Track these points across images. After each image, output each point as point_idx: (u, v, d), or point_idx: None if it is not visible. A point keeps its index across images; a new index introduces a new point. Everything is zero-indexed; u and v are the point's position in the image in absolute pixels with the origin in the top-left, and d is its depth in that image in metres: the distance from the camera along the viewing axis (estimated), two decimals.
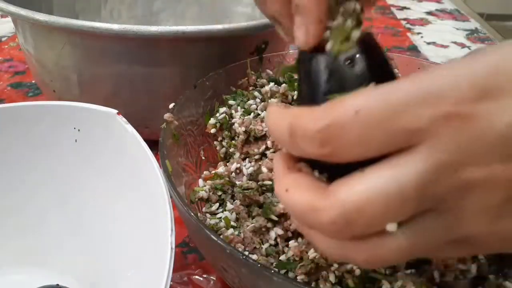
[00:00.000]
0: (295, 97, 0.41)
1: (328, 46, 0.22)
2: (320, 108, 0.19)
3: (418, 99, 0.17)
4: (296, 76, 0.44)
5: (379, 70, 0.22)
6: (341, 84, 0.21)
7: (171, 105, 0.38)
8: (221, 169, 0.38)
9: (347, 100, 0.18)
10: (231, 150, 0.40)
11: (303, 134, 0.19)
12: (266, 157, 0.38)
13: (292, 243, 0.32)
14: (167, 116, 0.36)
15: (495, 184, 0.18)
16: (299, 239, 0.32)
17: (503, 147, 0.17)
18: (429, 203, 0.18)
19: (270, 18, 0.28)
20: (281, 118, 0.20)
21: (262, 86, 0.43)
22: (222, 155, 0.41)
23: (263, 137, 0.39)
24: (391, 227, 0.18)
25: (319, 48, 0.23)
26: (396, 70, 0.47)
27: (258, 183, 0.35)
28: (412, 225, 0.19)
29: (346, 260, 0.22)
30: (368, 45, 0.22)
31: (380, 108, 0.18)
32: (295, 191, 0.20)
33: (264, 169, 0.36)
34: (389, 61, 0.23)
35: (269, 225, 0.33)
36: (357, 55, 0.21)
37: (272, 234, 0.32)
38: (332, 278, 0.29)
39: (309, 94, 0.23)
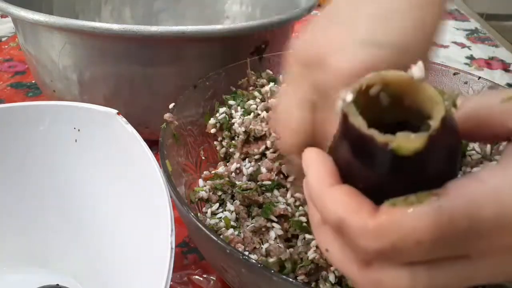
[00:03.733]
0: None
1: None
2: (376, 222, 0.17)
3: (487, 230, 0.17)
4: None
5: (447, 166, 0.18)
6: (402, 179, 0.18)
7: (171, 105, 0.38)
8: (221, 169, 0.38)
9: (409, 221, 0.17)
10: (231, 150, 0.40)
11: (351, 240, 0.18)
12: (266, 157, 0.38)
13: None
14: (167, 116, 0.36)
15: None
16: (298, 243, 0.32)
17: None
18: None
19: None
20: (330, 201, 0.19)
21: (262, 86, 0.43)
22: (222, 155, 0.41)
23: (263, 137, 0.39)
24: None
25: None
26: None
27: (258, 183, 0.35)
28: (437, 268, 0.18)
29: (345, 274, 0.21)
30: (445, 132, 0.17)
31: (443, 241, 0.17)
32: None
33: (263, 170, 0.36)
34: (460, 150, 0.19)
35: (269, 225, 0.33)
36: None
37: (272, 234, 0.32)
38: (332, 278, 0.29)
39: (359, 178, 0.19)
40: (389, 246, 0.17)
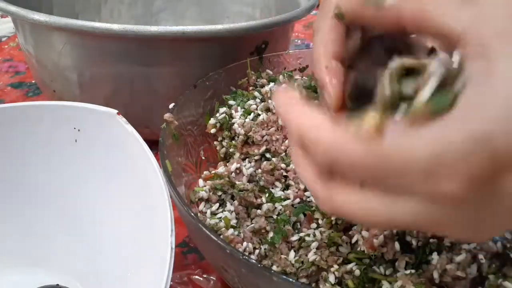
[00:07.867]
0: None
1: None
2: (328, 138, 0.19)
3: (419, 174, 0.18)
4: (295, 77, 0.44)
5: None
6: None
7: (171, 105, 0.38)
8: (221, 169, 0.38)
9: (348, 144, 0.19)
10: (231, 150, 0.40)
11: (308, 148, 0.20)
12: (266, 158, 0.38)
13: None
14: (167, 116, 0.36)
15: None
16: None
17: None
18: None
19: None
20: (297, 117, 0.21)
21: (262, 86, 0.43)
22: (222, 155, 0.41)
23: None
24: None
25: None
26: None
27: (259, 183, 0.36)
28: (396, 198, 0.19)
29: (311, 189, 0.23)
30: None
31: (375, 171, 0.18)
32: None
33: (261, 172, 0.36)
34: None
35: (268, 228, 0.32)
36: None
37: (272, 234, 0.32)
38: (331, 278, 0.29)
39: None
40: (331, 161, 0.19)
